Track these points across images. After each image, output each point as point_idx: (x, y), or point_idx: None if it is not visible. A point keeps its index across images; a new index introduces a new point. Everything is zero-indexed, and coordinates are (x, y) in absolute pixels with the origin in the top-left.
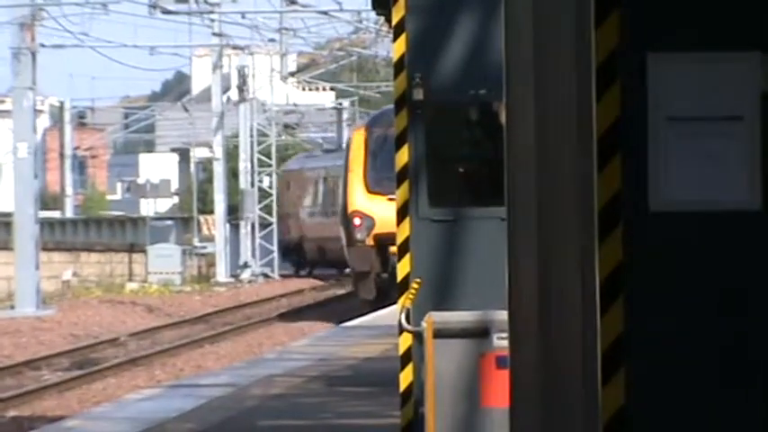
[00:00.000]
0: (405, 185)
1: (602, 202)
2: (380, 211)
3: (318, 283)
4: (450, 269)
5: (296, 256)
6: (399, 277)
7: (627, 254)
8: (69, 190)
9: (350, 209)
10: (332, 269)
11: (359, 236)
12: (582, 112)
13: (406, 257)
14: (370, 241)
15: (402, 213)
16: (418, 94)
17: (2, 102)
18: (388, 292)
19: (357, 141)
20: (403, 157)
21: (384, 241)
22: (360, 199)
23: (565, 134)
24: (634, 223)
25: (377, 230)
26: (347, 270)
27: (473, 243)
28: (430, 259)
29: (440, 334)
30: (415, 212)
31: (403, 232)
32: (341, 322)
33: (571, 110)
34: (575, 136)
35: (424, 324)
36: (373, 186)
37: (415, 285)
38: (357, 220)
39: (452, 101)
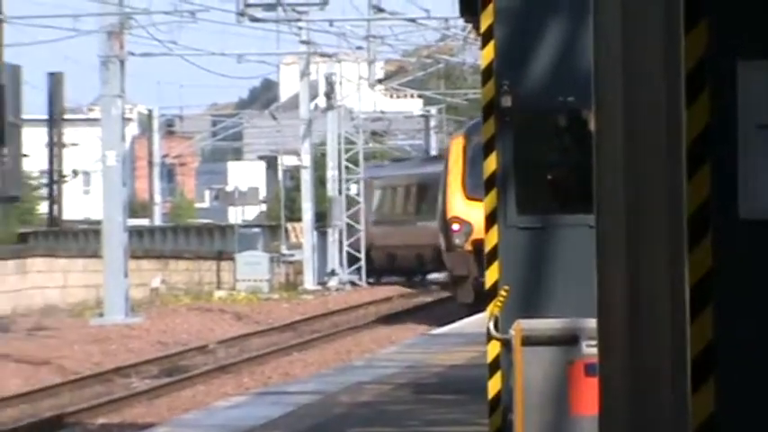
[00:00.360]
0: (493, 193)
1: (691, 209)
2: (478, 217)
3: (406, 290)
4: (539, 277)
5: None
6: (488, 285)
7: (715, 260)
8: (158, 198)
9: (449, 215)
10: (400, 276)
11: (457, 241)
12: (671, 119)
13: (495, 265)
14: (468, 246)
15: (490, 221)
16: (506, 102)
17: (91, 110)
18: (485, 297)
19: (456, 149)
20: (491, 164)
21: (482, 246)
22: (458, 205)
23: (654, 141)
24: (723, 230)
25: (475, 236)
26: (416, 278)
27: (561, 250)
28: (518, 267)
29: (528, 341)
30: (503, 220)
31: (491, 240)
32: (429, 329)
33: (660, 117)
34: (664, 143)
35: (512, 332)
36: (471, 193)
37: (503, 293)
38: (456, 226)
39: (541, 108)
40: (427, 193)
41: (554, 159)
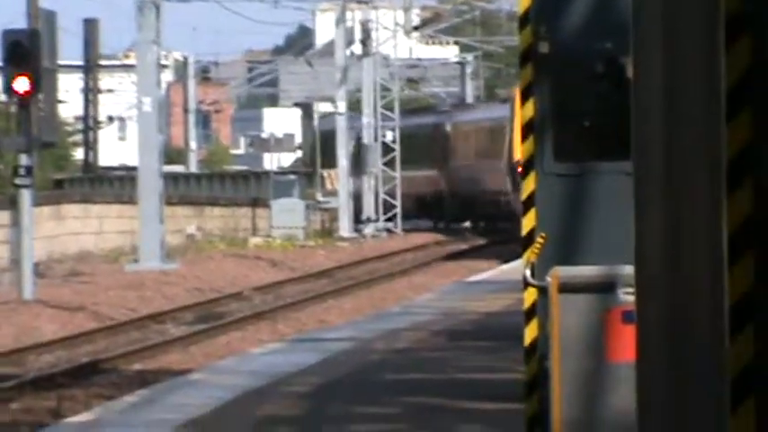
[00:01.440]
0: (530, 140)
1: (731, 155)
2: None
3: (442, 237)
4: (576, 224)
5: None
6: (524, 231)
7: (758, 208)
8: (193, 144)
9: (515, 158)
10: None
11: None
12: (711, 64)
13: (531, 212)
14: None
15: (527, 168)
16: (544, 48)
17: (126, 56)
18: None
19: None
20: (528, 111)
21: None
22: None
23: (693, 88)
24: (765, 177)
25: None
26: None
27: (598, 198)
28: (555, 214)
29: (565, 289)
30: (540, 167)
31: (528, 187)
32: (465, 277)
33: (700, 63)
34: (704, 88)
35: (549, 279)
36: None
37: (540, 240)
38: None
39: (578, 54)
40: (415, 144)
41: (591, 106)
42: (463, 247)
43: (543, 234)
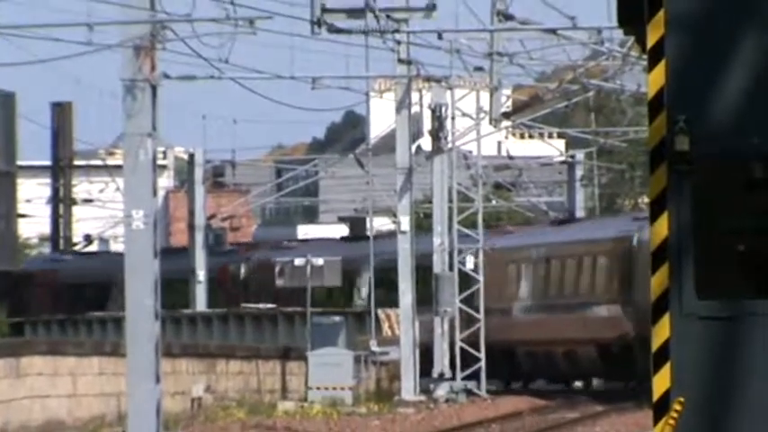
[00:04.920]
0: (663, 269)
1: None
2: None
3: (541, 402)
4: (727, 386)
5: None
6: (655, 395)
7: None
8: (201, 274)
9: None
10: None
11: None
12: None
13: (665, 368)
14: None
15: (659, 308)
16: (682, 144)
17: (110, 154)
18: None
19: None
20: (661, 229)
21: None
22: None
23: None
24: None
25: None
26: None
27: (756, 349)
28: (698, 371)
29: None
30: (677, 306)
31: (661, 334)
32: None
33: None
34: None
35: None
36: None
37: (677, 407)
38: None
39: (730, 152)
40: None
41: (749, 223)
42: (571, 415)
43: (681, 399)
